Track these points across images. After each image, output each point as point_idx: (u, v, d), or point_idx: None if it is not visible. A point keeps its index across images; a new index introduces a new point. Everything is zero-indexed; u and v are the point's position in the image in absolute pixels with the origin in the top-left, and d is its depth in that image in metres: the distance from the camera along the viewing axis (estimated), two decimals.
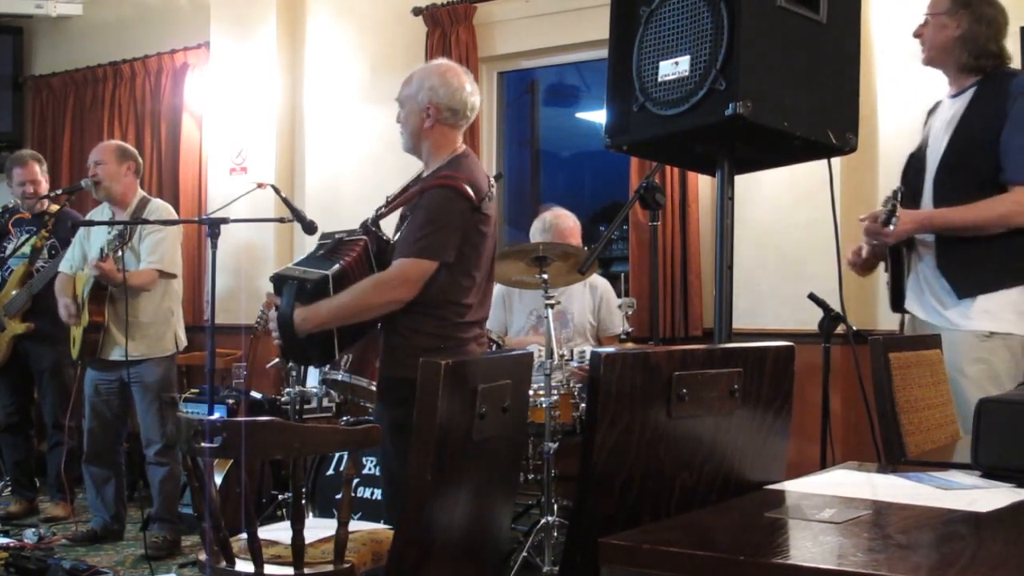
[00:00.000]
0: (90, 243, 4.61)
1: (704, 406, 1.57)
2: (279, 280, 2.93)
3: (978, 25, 3.02)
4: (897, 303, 3.21)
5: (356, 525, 2.72)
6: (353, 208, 5.70)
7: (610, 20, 2.69)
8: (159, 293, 4.58)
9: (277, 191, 4.32)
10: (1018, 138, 2.89)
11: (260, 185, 4.95)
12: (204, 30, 6.41)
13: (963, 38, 3.03)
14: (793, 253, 4.64)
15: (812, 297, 4.16)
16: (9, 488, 5.39)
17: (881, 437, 2.49)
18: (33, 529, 4.76)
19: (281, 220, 4.21)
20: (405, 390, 2.76)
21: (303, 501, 3.01)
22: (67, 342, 4.65)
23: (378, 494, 4.11)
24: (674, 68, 2.45)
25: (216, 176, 6.29)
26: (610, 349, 1.47)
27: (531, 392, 3.70)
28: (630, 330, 4.25)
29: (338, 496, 3.74)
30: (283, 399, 4.72)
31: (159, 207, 4.66)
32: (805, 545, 1.33)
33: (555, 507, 3.82)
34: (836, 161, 2.77)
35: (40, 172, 5.27)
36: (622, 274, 5.00)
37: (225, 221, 3.92)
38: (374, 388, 4.10)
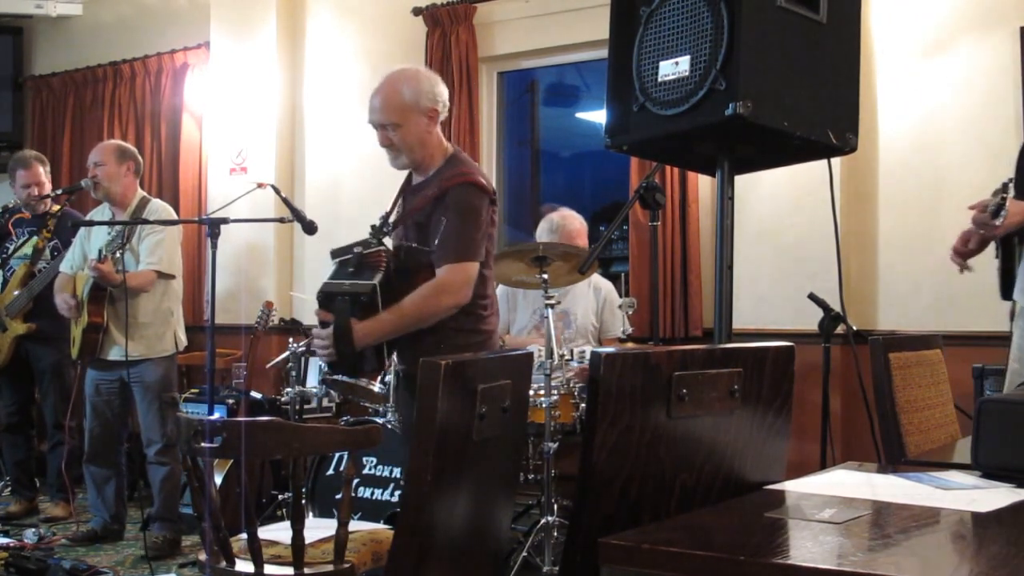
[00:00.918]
0: (90, 243, 4.61)
1: (704, 406, 1.57)
2: (328, 296, 2.93)
3: None
4: (1007, 291, 3.19)
5: (356, 525, 2.72)
6: (353, 208, 5.72)
7: (610, 20, 2.69)
8: (158, 293, 4.58)
9: (277, 191, 4.32)
10: None
11: (260, 185, 4.95)
12: (204, 30, 6.40)
13: None
14: (793, 253, 4.64)
15: (812, 297, 4.16)
16: (9, 488, 5.39)
17: (881, 437, 2.49)
18: (33, 529, 4.76)
19: (281, 220, 4.21)
20: None
21: (303, 501, 3.01)
22: (68, 342, 4.65)
23: (378, 494, 4.11)
24: (674, 68, 2.45)
25: (216, 176, 6.29)
26: (610, 349, 1.47)
27: (531, 392, 3.71)
28: (630, 330, 4.25)
29: (338, 496, 3.74)
30: (283, 399, 4.73)
31: (158, 207, 4.66)
32: (805, 545, 1.33)
33: (555, 507, 3.82)
34: (836, 161, 2.76)
35: (43, 173, 5.27)
36: (622, 274, 5.00)
37: (225, 221, 3.92)
38: (374, 388, 4.12)
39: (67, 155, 6.93)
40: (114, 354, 4.49)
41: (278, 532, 2.67)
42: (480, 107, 5.60)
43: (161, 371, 4.59)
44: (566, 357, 4.00)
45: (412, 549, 1.82)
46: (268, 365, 5.25)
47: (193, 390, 5.16)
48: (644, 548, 1.29)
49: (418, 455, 1.76)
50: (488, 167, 5.72)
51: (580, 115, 7.30)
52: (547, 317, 3.90)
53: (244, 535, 2.41)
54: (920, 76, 4.56)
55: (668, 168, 4.82)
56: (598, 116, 6.53)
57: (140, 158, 4.82)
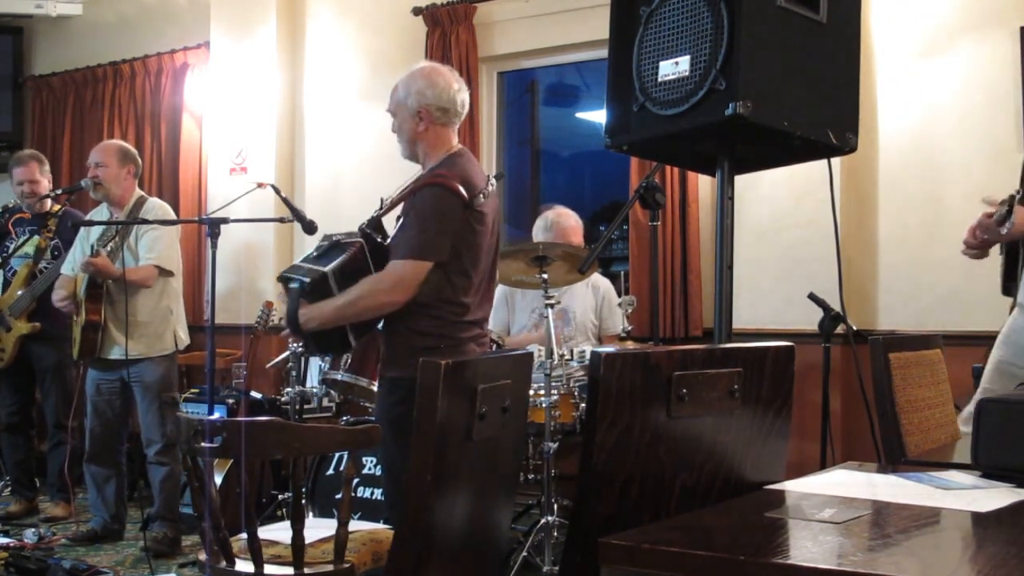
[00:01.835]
0: (90, 243, 4.61)
1: (704, 406, 1.57)
2: (284, 279, 3.03)
3: None
4: (1007, 287, 3.21)
5: (356, 525, 2.73)
6: (353, 208, 5.72)
7: (610, 20, 2.69)
8: (157, 292, 4.58)
9: (277, 191, 4.32)
10: None
11: (260, 185, 4.94)
12: (204, 30, 6.40)
13: None
14: (793, 253, 4.64)
15: (812, 297, 4.16)
16: (9, 488, 5.39)
17: (881, 437, 2.49)
18: (33, 529, 4.76)
19: (281, 220, 4.21)
20: (404, 389, 2.78)
21: (303, 501, 3.01)
22: (69, 342, 4.65)
23: (378, 494, 4.12)
24: (674, 68, 2.45)
25: (216, 176, 6.29)
26: (610, 349, 1.46)
27: (531, 392, 3.70)
28: (630, 328, 4.25)
29: (338, 496, 3.74)
30: (283, 399, 4.73)
31: (156, 206, 4.66)
32: (805, 545, 1.33)
33: (555, 507, 3.82)
34: (836, 161, 2.77)
35: (39, 172, 5.26)
36: (622, 274, 5.00)
37: (225, 221, 3.92)
38: (374, 388, 4.12)
39: (67, 155, 6.93)
40: (114, 353, 4.50)
41: (278, 532, 2.67)
42: (480, 107, 5.60)
43: (161, 370, 4.59)
44: (566, 357, 4.00)
45: (412, 549, 1.82)
46: (268, 365, 5.25)
47: (193, 390, 5.16)
48: (644, 548, 1.29)
49: (418, 455, 1.76)
50: (488, 167, 5.71)
51: (580, 115, 7.30)
52: (547, 317, 3.90)
53: (244, 535, 2.41)
54: (920, 76, 4.56)
55: (668, 168, 4.83)
56: (598, 116, 6.53)
57: (140, 160, 4.84)
